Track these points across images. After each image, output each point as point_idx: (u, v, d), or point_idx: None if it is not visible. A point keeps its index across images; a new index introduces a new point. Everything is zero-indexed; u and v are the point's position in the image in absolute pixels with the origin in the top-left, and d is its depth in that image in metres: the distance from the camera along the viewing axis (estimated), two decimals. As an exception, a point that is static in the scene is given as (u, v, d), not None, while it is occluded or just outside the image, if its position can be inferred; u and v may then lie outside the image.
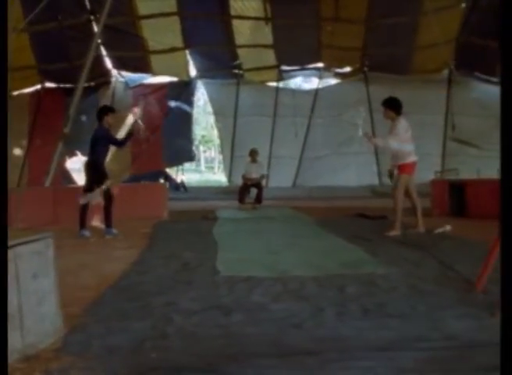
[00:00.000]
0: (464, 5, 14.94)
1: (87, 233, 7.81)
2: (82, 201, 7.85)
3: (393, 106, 7.72)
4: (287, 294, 4.01)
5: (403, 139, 7.44)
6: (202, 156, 53.64)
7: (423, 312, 3.46)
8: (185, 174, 34.05)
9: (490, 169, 14.53)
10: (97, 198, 7.79)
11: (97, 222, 8.69)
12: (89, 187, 7.89)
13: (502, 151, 2.83)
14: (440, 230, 7.52)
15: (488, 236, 6.92)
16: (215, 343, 2.94)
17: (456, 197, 9.90)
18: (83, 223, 7.87)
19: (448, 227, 7.63)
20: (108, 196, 7.86)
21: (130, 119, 18.35)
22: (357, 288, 4.15)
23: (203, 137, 49.56)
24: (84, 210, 7.89)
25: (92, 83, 17.19)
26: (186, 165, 45.81)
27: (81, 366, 2.63)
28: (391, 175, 7.98)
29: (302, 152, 18.64)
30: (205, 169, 51.99)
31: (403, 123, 7.53)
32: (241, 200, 12.73)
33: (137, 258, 5.83)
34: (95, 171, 7.85)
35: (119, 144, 8.44)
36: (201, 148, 52.27)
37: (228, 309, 3.57)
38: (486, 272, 3.94)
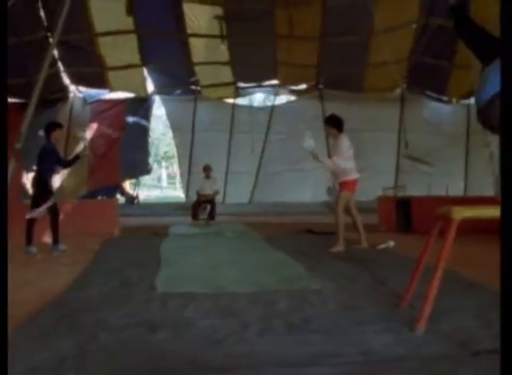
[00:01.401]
0: (414, 25, 15.23)
1: (33, 249, 7.76)
2: (28, 216, 7.82)
3: (335, 124, 7.88)
4: (218, 311, 4.03)
5: (346, 156, 7.59)
6: (165, 172, 53.56)
7: (345, 327, 3.51)
8: (147, 190, 33.97)
9: (441, 185, 14.89)
10: (41, 213, 7.77)
11: (46, 238, 8.64)
12: (35, 202, 7.88)
13: (502, 155, 2.85)
14: (383, 245, 7.65)
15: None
16: (135, 360, 2.95)
17: (403, 213, 10.09)
18: (29, 239, 7.82)
19: (391, 243, 7.76)
20: (53, 212, 7.85)
21: (84, 138, 18.33)
22: (288, 304, 4.19)
23: (165, 153, 49.54)
24: (30, 226, 7.85)
25: (50, 99, 17.02)
26: (148, 181, 45.90)
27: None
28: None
29: (258, 168, 18.79)
30: (168, 185, 51.90)
31: (345, 141, 7.70)
32: (194, 216, 12.77)
33: (79, 274, 5.83)
34: (40, 187, 7.86)
35: (64, 164, 8.51)
36: (164, 163, 52.22)
37: (155, 326, 3.57)
38: (412, 287, 4.04)
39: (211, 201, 12.88)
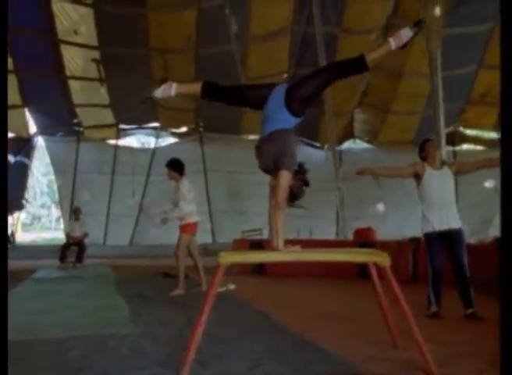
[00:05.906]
0: (285, 75, 15.89)
1: None
2: None
3: (177, 168, 8.11)
4: (16, 360, 3.98)
5: (187, 199, 7.84)
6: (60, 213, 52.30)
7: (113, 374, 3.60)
8: (38, 231, 32.89)
9: (315, 229, 15.37)
10: None
11: None
12: None
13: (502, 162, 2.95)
14: (222, 289, 7.80)
15: (263, 294, 7.37)
16: None
17: (257, 256, 10.36)
18: None
19: (232, 286, 7.95)
20: None
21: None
22: (82, 350, 4.23)
23: (62, 195, 48.34)
24: None
25: None
26: (46, 222, 44.57)
27: None
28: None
29: (139, 210, 18.82)
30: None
31: (186, 184, 7.95)
32: (62, 259, 12.62)
33: None
34: None
35: None
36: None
37: None
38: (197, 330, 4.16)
39: (79, 243, 12.81)
